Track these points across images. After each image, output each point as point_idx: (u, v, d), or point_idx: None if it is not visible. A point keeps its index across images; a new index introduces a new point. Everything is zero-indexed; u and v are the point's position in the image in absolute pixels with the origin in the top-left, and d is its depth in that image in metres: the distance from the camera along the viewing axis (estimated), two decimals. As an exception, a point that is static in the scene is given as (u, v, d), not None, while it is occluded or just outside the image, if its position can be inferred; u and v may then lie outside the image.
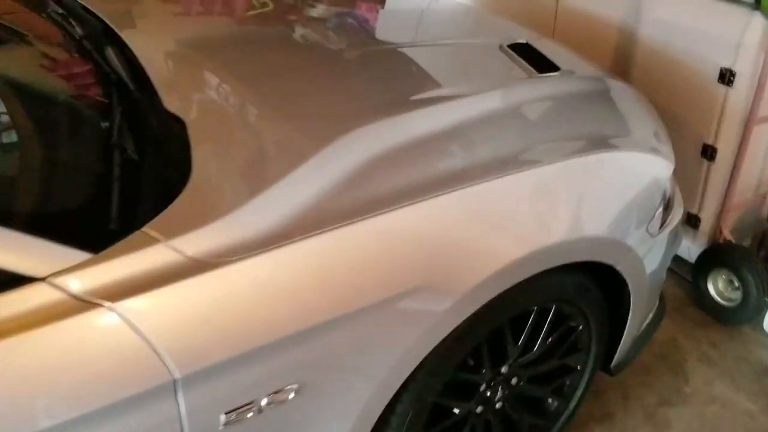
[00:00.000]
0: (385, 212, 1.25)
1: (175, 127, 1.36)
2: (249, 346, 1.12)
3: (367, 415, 1.32)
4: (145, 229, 1.11)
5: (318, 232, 1.19)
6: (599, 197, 1.52)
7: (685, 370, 2.25)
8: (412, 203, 1.27)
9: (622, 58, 2.57)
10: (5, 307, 0.97)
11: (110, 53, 1.59)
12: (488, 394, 1.61)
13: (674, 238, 1.81)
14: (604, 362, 1.83)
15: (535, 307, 1.54)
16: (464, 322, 1.36)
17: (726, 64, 2.21)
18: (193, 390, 1.09)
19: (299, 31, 2.01)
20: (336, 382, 1.26)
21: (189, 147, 1.31)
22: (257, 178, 1.30)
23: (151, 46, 1.66)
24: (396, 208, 1.25)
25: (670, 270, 1.99)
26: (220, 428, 1.15)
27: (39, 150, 1.28)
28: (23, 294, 0.98)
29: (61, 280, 1.01)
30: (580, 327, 1.68)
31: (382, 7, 2.30)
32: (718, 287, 2.43)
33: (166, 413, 1.08)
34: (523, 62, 1.84)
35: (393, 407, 1.39)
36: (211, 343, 1.10)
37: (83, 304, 1.00)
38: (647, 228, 1.62)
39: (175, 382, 1.07)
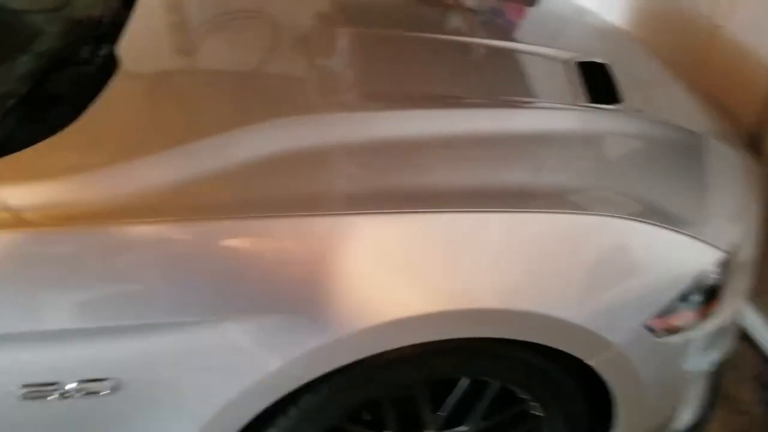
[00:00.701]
0: (271, 218, 1.06)
1: (104, 71, 1.26)
2: (49, 325, 1.01)
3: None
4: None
5: (170, 220, 1.03)
6: (577, 270, 1.20)
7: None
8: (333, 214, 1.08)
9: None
10: None
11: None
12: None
13: (712, 341, 1.41)
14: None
15: (464, 378, 1.27)
16: (351, 367, 1.15)
17: None
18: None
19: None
20: (162, 394, 1.10)
21: (97, 93, 1.20)
22: (144, 144, 1.16)
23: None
24: (294, 215, 1.07)
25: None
26: (17, 397, 1.05)
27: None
28: None
29: None
30: (541, 415, 1.38)
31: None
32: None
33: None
34: (580, 85, 1.51)
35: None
36: (16, 306, 1.00)
37: None
38: (649, 324, 1.27)
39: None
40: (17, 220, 0.99)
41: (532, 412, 1.37)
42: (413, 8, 2.01)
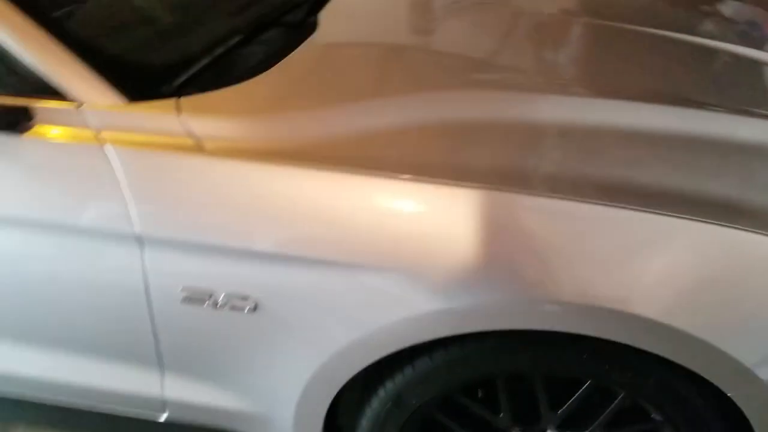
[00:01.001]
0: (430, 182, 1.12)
1: (304, 34, 1.40)
2: (217, 239, 1.17)
3: (320, 382, 1.26)
4: (183, 99, 1.21)
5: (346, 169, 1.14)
6: (746, 299, 1.10)
7: None
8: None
9: None
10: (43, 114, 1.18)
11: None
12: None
13: None
14: None
15: (587, 379, 1.22)
16: (469, 341, 1.18)
17: None
18: (155, 250, 1.19)
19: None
20: (292, 324, 1.22)
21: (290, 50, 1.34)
22: (323, 97, 1.28)
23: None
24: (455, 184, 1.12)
25: None
26: (180, 299, 1.23)
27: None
28: (55, 110, 1.18)
29: (90, 113, 1.17)
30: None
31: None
32: None
33: (126, 254, 1.20)
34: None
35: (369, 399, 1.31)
36: (184, 219, 1.18)
37: (94, 136, 1.16)
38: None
39: (137, 236, 1.18)
40: (197, 147, 1.16)
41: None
42: (666, 8, 1.96)
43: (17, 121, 1.17)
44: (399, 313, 1.15)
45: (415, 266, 1.12)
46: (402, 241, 1.13)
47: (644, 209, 1.09)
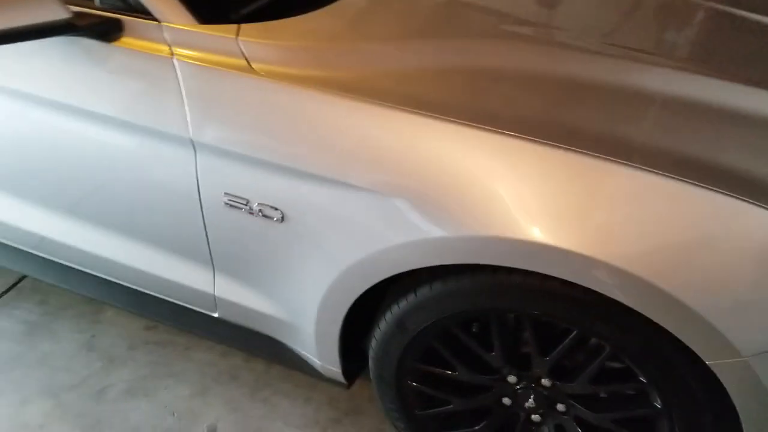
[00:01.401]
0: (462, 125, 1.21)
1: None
2: (254, 152, 1.33)
3: (335, 294, 1.40)
4: (244, 26, 1.37)
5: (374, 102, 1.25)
6: (730, 264, 1.10)
7: None
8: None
9: None
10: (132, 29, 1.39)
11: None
12: (515, 387, 1.43)
13: None
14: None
15: (574, 329, 1.27)
16: (462, 273, 1.27)
17: None
18: (205, 156, 1.38)
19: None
20: (313, 236, 1.36)
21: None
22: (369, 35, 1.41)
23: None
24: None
25: None
26: (223, 203, 1.41)
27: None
28: (140, 24, 1.38)
29: (166, 30, 1.37)
30: (658, 407, 1.30)
31: None
32: None
33: (183, 157, 1.40)
34: None
35: (378, 322, 1.44)
36: (229, 131, 1.35)
37: (168, 49, 1.36)
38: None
39: (192, 141, 1.37)
40: (247, 68, 1.32)
41: (653, 402, 1.30)
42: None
43: (109, 32, 1.39)
44: (397, 238, 1.26)
45: (412, 198, 1.22)
46: (407, 174, 1.23)
47: (629, 164, 1.13)
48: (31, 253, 1.93)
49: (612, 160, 1.13)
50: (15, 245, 1.94)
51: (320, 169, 1.30)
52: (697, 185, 1.10)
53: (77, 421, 1.84)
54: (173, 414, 1.86)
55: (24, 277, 2.29)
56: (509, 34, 1.57)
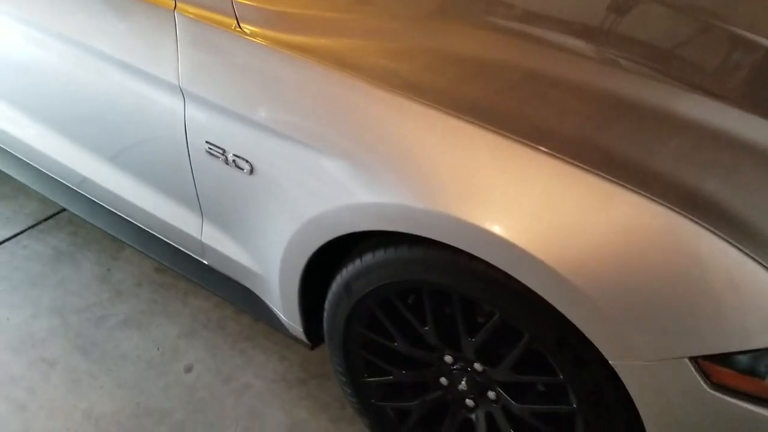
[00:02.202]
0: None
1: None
2: (231, 106, 1.44)
3: (294, 248, 1.49)
4: None
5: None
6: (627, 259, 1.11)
7: None
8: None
9: None
10: None
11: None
12: (450, 368, 1.47)
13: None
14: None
15: (495, 312, 1.30)
16: (401, 244, 1.33)
17: None
18: (191, 104, 1.50)
19: None
20: (276, 189, 1.45)
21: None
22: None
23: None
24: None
25: None
26: (204, 150, 1.53)
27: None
28: None
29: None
30: (574, 406, 1.30)
31: None
32: None
33: (174, 103, 1.52)
34: None
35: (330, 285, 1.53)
36: (212, 83, 1.46)
37: (172, 2, 1.48)
38: (701, 364, 1.10)
39: (181, 89, 1.49)
40: (236, 27, 1.42)
41: (570, 400, 1.31)
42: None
43: (126, -18, 1.53)
44: (340, 200, 1.33)
45: (360, 163, 1.29)
46: (358, 141, 1.30)
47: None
48: (71, 188, 2.12)
49: (533, 146, 1.16)
50: (58, 179, 2.14)
51: (286, 129, 1.38)
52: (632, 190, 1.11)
53: (75, 341, 2.01)
54: (158, 349, 1.99)
55: (63, 210, 2.50)
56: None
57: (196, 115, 1.51)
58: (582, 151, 1.17)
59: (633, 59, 1.52)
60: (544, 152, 1.15)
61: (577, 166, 1.13)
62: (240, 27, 1.43)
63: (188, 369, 1.94)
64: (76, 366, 1.94)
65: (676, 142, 1.24)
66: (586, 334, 1.17)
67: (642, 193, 1.10)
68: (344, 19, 1.48)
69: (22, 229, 2.42)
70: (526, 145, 1.17)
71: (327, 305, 1.56)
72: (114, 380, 1.90)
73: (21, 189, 2.61)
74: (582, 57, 1.50)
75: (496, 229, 1.15)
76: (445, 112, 1.23)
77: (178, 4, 1.48)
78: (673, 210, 1.08)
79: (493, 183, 1.18)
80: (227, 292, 1.86)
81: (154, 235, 1.96)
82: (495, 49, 1.44)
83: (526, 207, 1.15)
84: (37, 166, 2.20)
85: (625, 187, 1.11)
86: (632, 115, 1.29)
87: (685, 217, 1.07)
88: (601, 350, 1.17)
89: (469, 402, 1.50)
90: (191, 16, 1.47)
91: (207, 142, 1.51)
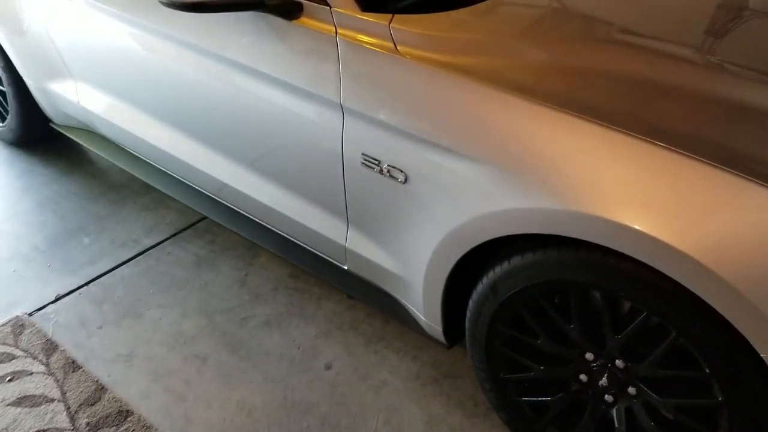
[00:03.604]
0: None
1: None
2: (389, 120, 1.58)
3: (441, 253, 1.61)
4: (396, 16, 1.62)
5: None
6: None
7: None
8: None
9: None
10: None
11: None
12: (591, 365, 1.56)
13: None
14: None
15: (644, 311, 1.38)
16: (550, 246, 1.44)
17: None
18: (350, 119, 1.65)
19: None
20: (428, 198, 1.58)
21: None
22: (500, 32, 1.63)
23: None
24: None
25: None
26: (360, 162, 1.68)
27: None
28: (315, 7, 1.68)
29: (335, 14, 1.65)
30: (719, 399, 1.38)
31: None
32: None
33: (333, 119, 1.68)
34: None
35: (476, 286, 1.64)
36: (372, 100, 1.61)
37: (334, 29, 1.65)
38: None
39: (341, 106, 1.65)
40: (393, 50, 1.57)
41: (714, 393, 1.38)
42: None
43: (291, 11, 1.70)
44: (491, 206, 1.45)
45: (512, 172, 1.41)
46: (512, 151, 1.42)
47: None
48: (210, 197, 2.32)
49: (695, 158, 1.25)
50: (201, 189, 2.35)
51: (440, 139, 1.51)
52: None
53: (222, 339, 2.19)
54: (299, 348, 2.15)
55: (202, 219, 2.71)
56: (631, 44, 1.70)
57: (354, 129, 1.66)
58: (709, 150, 1.27)
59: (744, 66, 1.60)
60: (679, 152, 1.25)
61: (738, 174, 1.22)
62: (396, 49, 1.57)
63: (328, 366, 2.08)
64: (225, 362, 2.11)
65: None
66: (738, 328, 1.24)
67: None
68: (488, 40, 1.61)
69: (164, 237, 2.64)
70: (664, 147, 1.27)
71: (471, 305, 1.67)
72: (261, 375, 2.06)
73: (160, 200, 2.85)
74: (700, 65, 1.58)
75: (647, 229, 1.25)
76: (587, 120, 1.34)
77: (339, 31, 1.64)
78: None
79: (641, 185, 1.27)
80: (363, 295, 2.00)
81: (292, 240, 2.13)
82: (621, 62, 1.54)
83: (671, 206, 1.25)
84: (178, 177, 2.42)
85: (757, 182, 1.20)
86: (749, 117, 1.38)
87: None
88: (752, 344, 1.24)
89: (608, 398, 1.59)
90: (351, 40, 1.62)
91: (363, 154, 1.66)
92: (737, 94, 1.45)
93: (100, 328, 2.25)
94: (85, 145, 2.83)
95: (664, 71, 1.51)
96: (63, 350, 2.15)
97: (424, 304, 1.79)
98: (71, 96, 2.69)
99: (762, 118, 1.38)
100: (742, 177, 1.21)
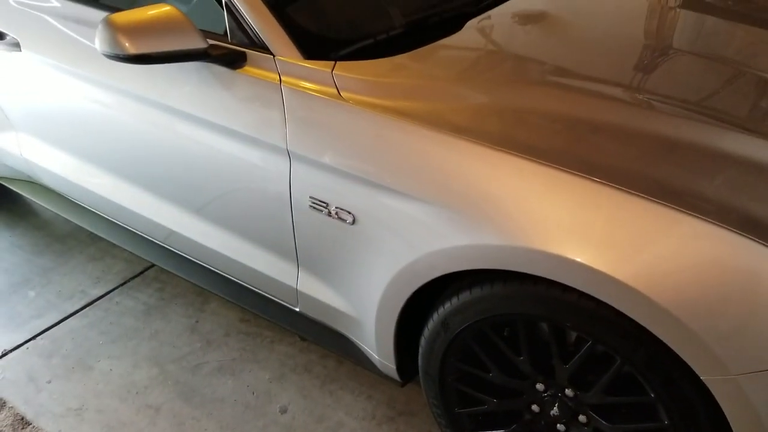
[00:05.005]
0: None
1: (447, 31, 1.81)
2: (335, 163, 1.62)
3: (391, 293, 1.64)
4: (338, 63, 1.67)
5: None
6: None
7: None
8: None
9: None
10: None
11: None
12: (542, 395, 1.60)
13: None
14: None
15: (588, 339, 1.43)
16: (496, 280, 1.48)
17: None
18: (297, 164, 1.68)
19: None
20: (375, 238, 1.61)
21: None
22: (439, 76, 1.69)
23: None
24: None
25: None
26: (308, 205, 1.70)
27: None
28: (259, 57, 1.72)
29: (279, 62, 1.69)
30: (665, 423, 1.43)
31: None
32: None
33: (280, 164, 1.71)
34: None
35: (427, 323, 1.68)
36: (317, 145, 1.64)
37: (278, 78, 1.68)
38: None
39: (288, 151, 1.68)
40: (336, 95, 1.61)
41: (660, 417, 1.42)
42: None
43: (235, 61, 1.73)
44: (437, 244, 1.49)
45: (457, 211, 1.45)
46: (456, 191, 1.46)
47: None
48: (157, 244, 2.31)
49: (629, 192, 1.31)
50: (148, 237, 2.33)
51: (385, 181, 1.55)
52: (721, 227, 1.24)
53: (175, 387, 2.16)
54: (253, 393, 2.14)
55: (150, 267, 2.68)
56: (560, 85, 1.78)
57: (301, 173, 1.68)
58: (642, 184, 1.33)
59: (672, 103, 1.68)
60: (613, 187, 1.31)
61: (642, 197, 1.29)
62: (340, 95, 1.61)
63: (283, 410, 2.08)
64: (179, 411, 2.08)
65: (723, 174, 1.39)
66: (678, 353, 1.30)
67: (704, 218, 1.25)
68: (427, 84, 1.66)
69: (112, 287, 2.61)
70: (599, 182, 1.33)
71: (423, 342, 1.70)
72: (216, 423, 2.04)
73: (107, 250, 2.81)
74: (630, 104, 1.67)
75: (587, 260, 1.30)
76: (524, 158, 1.39)
77: (283, 78, 1.67)
78: (737, 232, 1.23)
79: (579, 219, 1.33)
80: (316, 336, 2.01)
81: (242, 285, 2.13)
82: (555, 102, 1.61)
83: (608, 238, 1.30)
84: (125, 225, 2.40)
85: (689, 213, 1.26)
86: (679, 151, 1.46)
87: (750, 238, 1.22)
88: (692, 367, 1.30)
89: (560, 427, 1.63)
90: (295, 87, 1.66)
91: (311, 197, 1.69)
92: (665, 129, 1.52)
93: (50, 382, 2.20)
94: (28, 196, 2.79)
95: (596, 109, 1.58)
96: (11, 407, 2.09)
97: (376, 342, 1.80)
98: (13, 148, 2.65)
99: (689, 151, 1.46)
100: (675, 209, 1.28)
